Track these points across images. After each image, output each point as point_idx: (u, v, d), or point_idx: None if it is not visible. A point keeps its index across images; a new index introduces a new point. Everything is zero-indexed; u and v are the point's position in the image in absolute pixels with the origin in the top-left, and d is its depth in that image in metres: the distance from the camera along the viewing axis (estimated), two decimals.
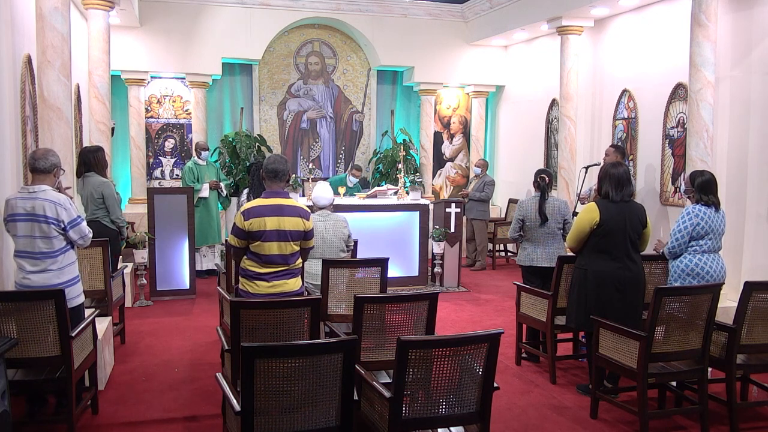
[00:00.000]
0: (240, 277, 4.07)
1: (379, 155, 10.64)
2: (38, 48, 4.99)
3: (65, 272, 3.97)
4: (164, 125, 9.87)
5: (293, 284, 4.04)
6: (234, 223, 4.00)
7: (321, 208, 5.28)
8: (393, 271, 7.20)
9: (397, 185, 8.77)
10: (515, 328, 5.48)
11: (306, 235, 4.08)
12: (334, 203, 5.70)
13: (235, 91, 10.38)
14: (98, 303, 5.35)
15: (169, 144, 9.85)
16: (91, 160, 5.87)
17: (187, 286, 7.53)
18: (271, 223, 3.91)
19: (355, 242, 5.72)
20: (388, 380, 3.55)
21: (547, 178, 5.53)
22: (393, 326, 3.88)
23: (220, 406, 3.83)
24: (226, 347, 4.07)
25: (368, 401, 3.21)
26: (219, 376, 3.33)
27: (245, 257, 4.02)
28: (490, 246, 9.61)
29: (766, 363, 4.32)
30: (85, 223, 4.01)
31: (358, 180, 9.16)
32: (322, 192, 5.33)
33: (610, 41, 8.31)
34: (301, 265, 4.15)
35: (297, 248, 4.04)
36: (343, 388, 2.89)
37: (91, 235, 4.04)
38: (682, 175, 6.76)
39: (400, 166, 9.20)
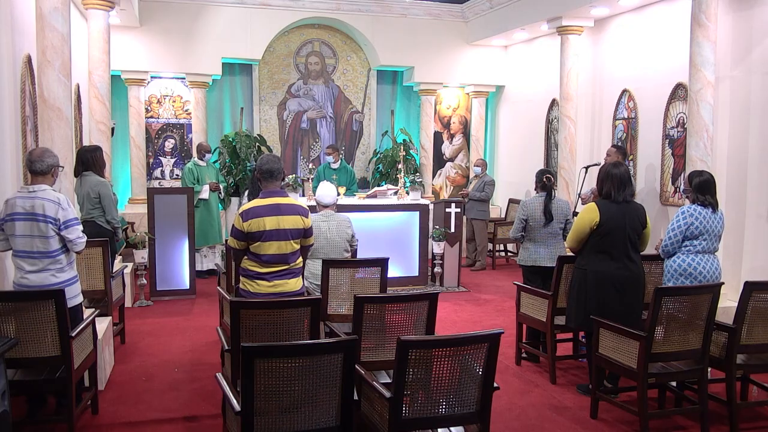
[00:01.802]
0: (241, 277, 4.06)
1: (379, 155, 10.65)
2: (38, 48, 4.99)
3: (63, 272, 3.96)
4: (164, 125, 9.87)
5: (294, 284, 4.04)
6: (233, 225, 4.00)
7: (325, 207, 5.28)
8: (393, 271, 7.20)
9: (397, 185, 8.77)
10: (515, 328, 5.48)
11: (305, 233, 4.08)
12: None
13: (235, 91, 10.37)
14: (98, 303, 5.35)
15: (169, 144, 9.84)
16: (89, 160, 5.86)
17: (187, 286, 7.53)
18: (270, 222, 3.90)
19: None
20: (388, 380, 3.55)
21: (552, 179, 5.55)
22: (393, 326, 3.88)
23: (220, 406, 3.83)
24: (226, 347, 4.07)
25: (368, 401, 3.21)
26: (219, 376, 3.33)
27: (246, 257, 4.02)
28: (490, 246, 9.62)
29: (766, 363, 4.32)
30: (80, 228, 3.99)
31: (336, 161, 9.13)
32: (326, 191, 5.32)
33: (610, 41, 8.31)
34: (301, 265, 4.14)
35: (297, 247, 4.04)
36: (343, 388, 2.89)
37: (84, 240, 4.02)
38: (682, 175, 6.76)
39: (400, 166, 9.20)
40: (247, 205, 3.99)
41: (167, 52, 9.30)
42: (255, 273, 3.96)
